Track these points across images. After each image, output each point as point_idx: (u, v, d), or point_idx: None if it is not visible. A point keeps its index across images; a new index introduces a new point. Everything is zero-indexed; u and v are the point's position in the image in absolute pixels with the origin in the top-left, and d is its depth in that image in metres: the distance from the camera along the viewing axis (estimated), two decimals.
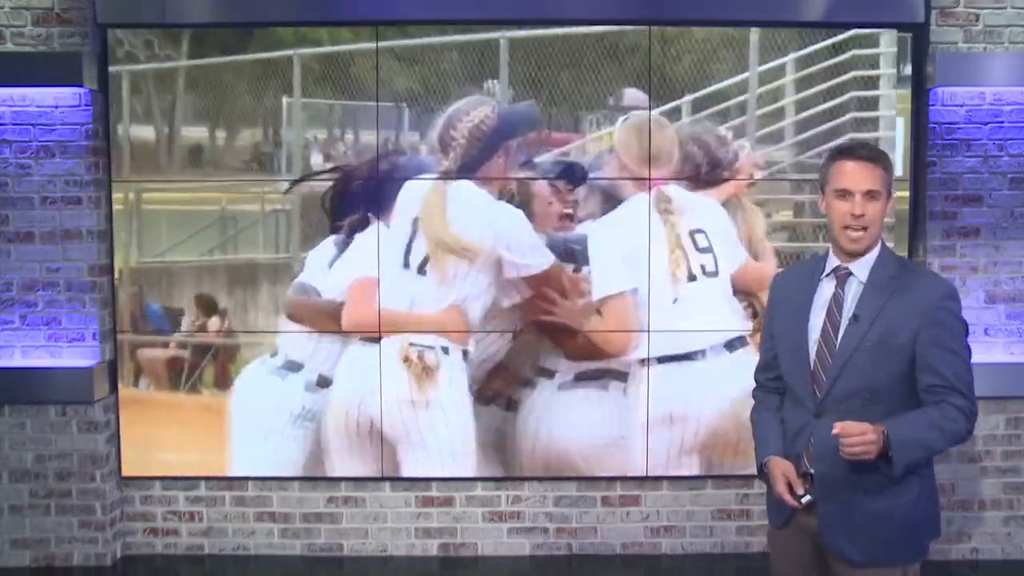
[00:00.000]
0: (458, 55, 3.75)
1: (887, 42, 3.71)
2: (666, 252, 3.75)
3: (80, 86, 3.59)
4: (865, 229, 2.16)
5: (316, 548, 3.89)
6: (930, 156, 3.68)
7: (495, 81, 3.75)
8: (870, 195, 2.15)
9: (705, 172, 3.75)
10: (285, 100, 3.79)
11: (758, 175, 3.75)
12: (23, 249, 3.70)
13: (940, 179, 3.69)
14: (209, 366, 3.86)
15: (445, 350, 3.77)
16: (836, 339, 2.18)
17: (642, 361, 3.76)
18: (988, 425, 3.72)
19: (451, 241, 3.72)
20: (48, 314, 3.72)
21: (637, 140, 3.75)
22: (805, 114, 3.74)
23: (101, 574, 3.74)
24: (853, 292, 2.21)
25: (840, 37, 3.71)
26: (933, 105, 3.66)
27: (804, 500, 2.19)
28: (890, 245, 3.52)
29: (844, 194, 2.17)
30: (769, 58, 3.73)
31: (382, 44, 3.72)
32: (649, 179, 3.73)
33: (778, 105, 3.75)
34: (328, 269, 3.79)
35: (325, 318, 3.79)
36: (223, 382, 3.85)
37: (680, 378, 3.78)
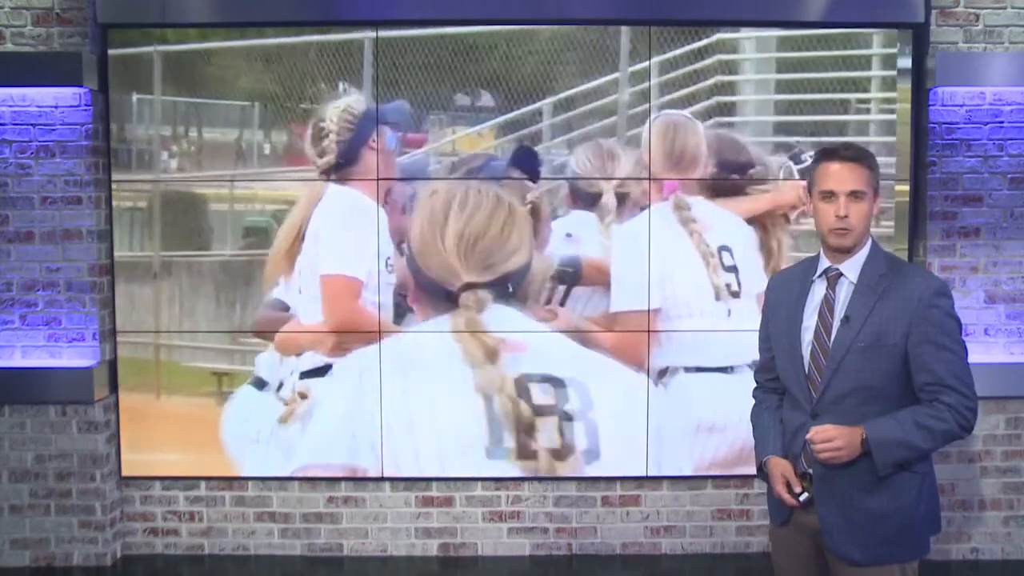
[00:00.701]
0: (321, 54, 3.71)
1: (749, 47, 3.71)
2: (701, 265, 3.68)
3: (80, 86, 3.59)
4: (850, 231, 2.16)
5: (316, 548, 3.89)
6: (930, 156, 3.68)
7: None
8: (854, 195, 2.16)
9: (732, 181, 3.68)
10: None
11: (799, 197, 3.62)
12: (23, 249, 3.70)
13: (940, 179, 3.68)
14: None
15: (327, 369, 3.74)
16: (829, 340, 2.19)
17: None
18: (988, 425, 3.72)
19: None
20: (48, 314, 3.72)
21: (662, 141, 3.68)
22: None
23: (101, 574, 3.74)
24: (844, 293, 2.21)
25: (704, 42, 3.67)
26: (933, 105, 3.66)
27: (802, 499, 2.20)
28: (887, 242, 3.59)
29: (829, 195, 2.17)
30: (634, 61, 3.70)
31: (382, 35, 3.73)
32: (649, 178, 3.72)
33: (642, 108, 3.70)
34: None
35: (274, 326, 3.79)
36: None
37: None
